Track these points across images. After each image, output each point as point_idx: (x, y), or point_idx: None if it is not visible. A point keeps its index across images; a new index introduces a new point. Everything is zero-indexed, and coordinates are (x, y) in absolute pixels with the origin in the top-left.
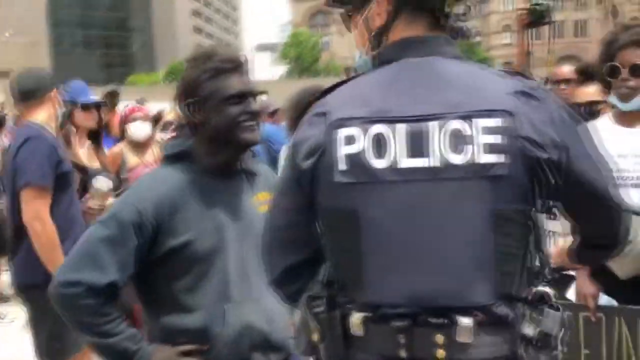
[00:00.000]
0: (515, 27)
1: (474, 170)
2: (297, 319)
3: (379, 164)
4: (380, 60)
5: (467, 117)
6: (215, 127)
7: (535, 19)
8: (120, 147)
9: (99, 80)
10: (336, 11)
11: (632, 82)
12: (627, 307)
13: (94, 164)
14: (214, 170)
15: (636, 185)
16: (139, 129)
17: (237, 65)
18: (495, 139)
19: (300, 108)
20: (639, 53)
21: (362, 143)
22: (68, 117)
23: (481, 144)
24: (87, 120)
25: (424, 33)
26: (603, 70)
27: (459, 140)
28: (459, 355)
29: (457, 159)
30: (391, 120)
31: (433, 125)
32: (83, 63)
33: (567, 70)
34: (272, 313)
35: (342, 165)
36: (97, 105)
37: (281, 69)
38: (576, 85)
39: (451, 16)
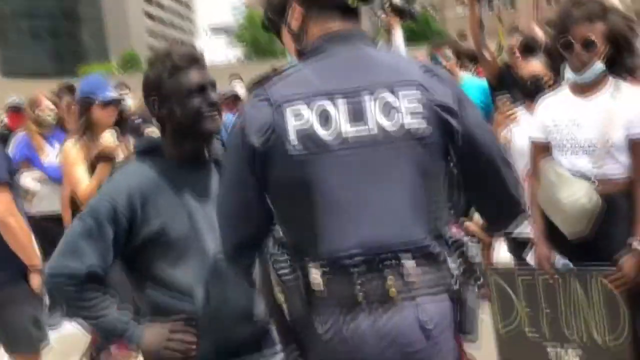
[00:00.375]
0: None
1: (403, 134)
2: (257, 283)
3: (325, 134)
4: (306, 53)
5: (390, 87)
6: (180, 120)
7: None
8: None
9: (50, 72)
10: None
11: (585, 56)
12: (579, 266)
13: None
14: (182, 161)
15: (586, 152)
16: None
17: (194, 60)
18: (414, 104)
19: None
20: (591, 27)
21: (309, 117)
22: (85, 113)
23: (404, 110)
24: (106, 117)
25: (340, 26)
26: (557, 43)
27: (388, 109)
28: (407, 288)
29: (389, 125)
30: (331, 94)
31: (365, 96)
32: (32, 55)
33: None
34: (252, 289)
35: (293, 139)
36: (116, 102)
37: (237, 51)
38: (521, 60)
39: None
